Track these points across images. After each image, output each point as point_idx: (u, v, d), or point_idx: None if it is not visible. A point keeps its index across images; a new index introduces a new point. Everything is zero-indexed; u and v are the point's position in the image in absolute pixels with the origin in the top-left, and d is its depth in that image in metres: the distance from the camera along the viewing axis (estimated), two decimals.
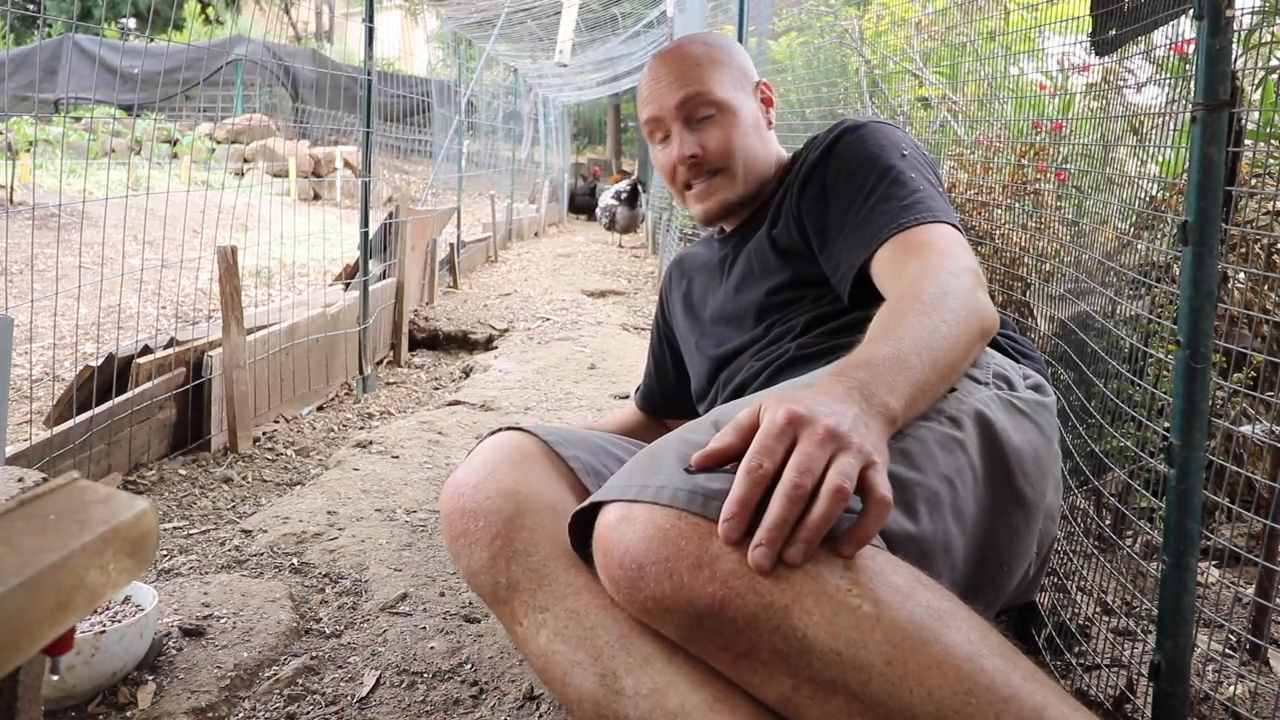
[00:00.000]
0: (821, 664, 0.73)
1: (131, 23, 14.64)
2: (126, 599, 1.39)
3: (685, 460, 0.83)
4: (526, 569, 0.97)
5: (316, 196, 11.01)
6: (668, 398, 1.57)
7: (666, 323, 1.57)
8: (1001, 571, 1.01)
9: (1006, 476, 0.99)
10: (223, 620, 1.49)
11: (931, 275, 1.00)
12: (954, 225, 1.13)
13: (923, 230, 1.10)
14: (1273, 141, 1.52)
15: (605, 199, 10.42)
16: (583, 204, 14.50)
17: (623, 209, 9.92)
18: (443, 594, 1.64)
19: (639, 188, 10.07)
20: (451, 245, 6.25)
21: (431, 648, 1.46)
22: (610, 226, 10.15)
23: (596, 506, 0.86)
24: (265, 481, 2.42)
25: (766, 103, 1.43)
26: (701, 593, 0.76)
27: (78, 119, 9.40)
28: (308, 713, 1.29)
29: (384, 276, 4.07)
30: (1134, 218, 1.40)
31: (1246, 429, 1.45)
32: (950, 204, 1.19)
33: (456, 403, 3.10)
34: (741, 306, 1.33)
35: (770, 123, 1.42)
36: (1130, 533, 1.52)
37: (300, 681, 1.36)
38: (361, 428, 3.00)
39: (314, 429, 2.95)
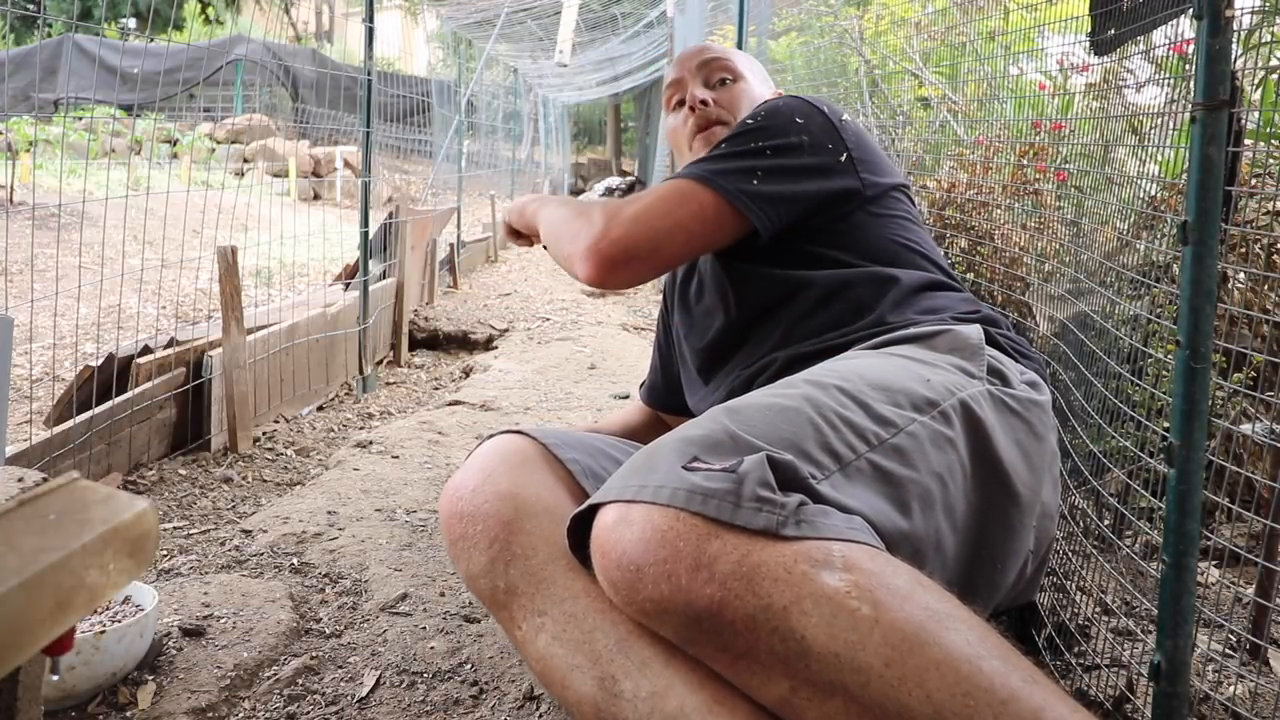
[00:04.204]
0: (820, 666, 0.73)
1: (131, 23, 14.61)
2: (126, 599, 1.39)
3: (683, 458, 0.83)
4: (525, 572, 0.97)
5: (316, 196, 11.00)
6: (671, 391, 1.57)
7: (669, 314, 1.58)
8: (995, 569, 1.02)
9: (995, 474, 0.99)
10: (223, 620, 1.48)
11: (596, 208, 1.23)
12: (705, 181, 1.20)
13: (667, 185, 1.23)
14: (1273, 141, 1.52)
15: (595, 194, 10.17)
16: None
17: None
18: (443, 594, 1.64)
19: (637, 185, 9.96)
20: (451, 245, 6.24)
21: (431, 648, 1.46)
22: None
23: (594, 508, 0.85)
24: (265, 481, 2.42)
25: None
26: (699, 594, 0.76)
27: (79, 119, 9.39)
28: (308, 713, 1.29)
29: (384, 276, 4.07)
30: (1134, 218, 1.40)
31: (1246, 429, 1.45)
32: (780, 169, 1.24)
33: (456, 403, 3.09)
34: (715, 292, 1.35)
35: None
36: (1130, 533, 1.52)
37: (300, 681, 1.36)
38: (361, 428, 3.00)
39: (314, 429, 2.95)
